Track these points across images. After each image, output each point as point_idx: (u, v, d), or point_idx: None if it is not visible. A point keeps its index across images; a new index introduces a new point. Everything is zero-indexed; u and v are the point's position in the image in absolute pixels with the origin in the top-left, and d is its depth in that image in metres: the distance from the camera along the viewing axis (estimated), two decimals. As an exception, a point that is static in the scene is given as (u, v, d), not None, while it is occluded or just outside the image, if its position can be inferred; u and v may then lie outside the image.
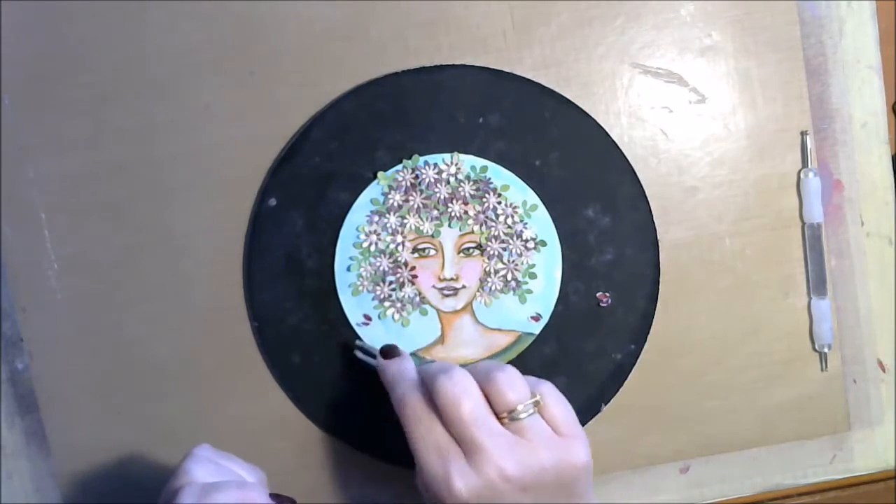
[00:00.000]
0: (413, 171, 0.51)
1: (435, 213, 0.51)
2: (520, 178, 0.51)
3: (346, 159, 0.51)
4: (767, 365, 0.53)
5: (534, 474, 0.40)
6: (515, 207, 0.51)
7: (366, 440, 0.52)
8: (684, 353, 0.52)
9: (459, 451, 0.40)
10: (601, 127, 0.51)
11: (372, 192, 0.51)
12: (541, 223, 0.51)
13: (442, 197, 0.51)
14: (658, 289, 0.52)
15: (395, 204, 0.51)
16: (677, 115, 0.52)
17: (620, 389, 0.52)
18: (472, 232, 0.51)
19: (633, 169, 0.51)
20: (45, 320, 0.51)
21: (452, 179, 0.51)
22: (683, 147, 0.52)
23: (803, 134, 0.52)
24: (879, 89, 0.53)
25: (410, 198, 0.51)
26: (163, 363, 0.52)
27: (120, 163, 0.51)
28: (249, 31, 0.51)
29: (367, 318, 0.51)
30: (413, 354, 0.51)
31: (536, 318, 0.51)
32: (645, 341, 0.52)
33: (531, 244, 0.51)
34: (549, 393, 0.43)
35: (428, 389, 0.42)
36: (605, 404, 0.52)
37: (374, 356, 0.48)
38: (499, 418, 0.41)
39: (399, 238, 0.51)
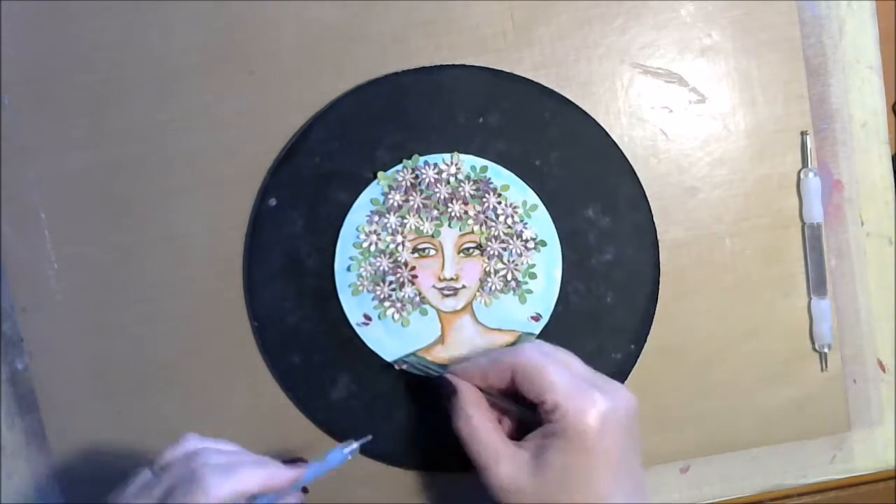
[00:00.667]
0: (413, 171, 0.51)
1: (435, 213, 0.51)
2: (520, 178, 0.51)
3: (346, 159, 0.51)
4: (767, 365, 0.53)
5: (636, 406, 0.43)
6: (515, 207, 0.51)
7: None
8: (684, 353, 0.52)
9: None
10: (601, 127, 0.51)
11: (372, 192, 0.51)
12: (541, 223, 0.51)
13: (442, 197, 0.51)
14: (658, 289, 0.52)
15: (395, 204, 0.51)
16: (677, 115, 0.52)
17: (620, 389, 0.52)
18: (472, 232, 0.51)
19: (633, 169, 0.51)
20: (45, 320, 0.51)
21: (452, 179, 0.51)
22: (683, 147, 0.52)
23: (803, 134, 0.52)
24: (879, 89, 0.53)
25: (410, 198, 0.51)
26: (163, 363, 0.52)
27: (120, 163, 0.51)
28: (249, 31, 0.51)
29: (367, 317, 0.51)
30: (413, 354, 0.51)
31: (536, 318, 0.51)
32: (645, 341, 0.52)
33: (531, 244, 0.51)
34: None
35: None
36: (605, 404, 0.52)
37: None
38: None
39: (399, 238, 0.51)
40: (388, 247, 0.51)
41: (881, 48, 0.53)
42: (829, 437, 0.54)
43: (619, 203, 0.51)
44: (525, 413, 0.44)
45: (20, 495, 0.53)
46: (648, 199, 0.51)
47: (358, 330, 0.51)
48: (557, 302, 0.51)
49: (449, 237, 0.51)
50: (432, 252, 0.51)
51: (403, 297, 0.51)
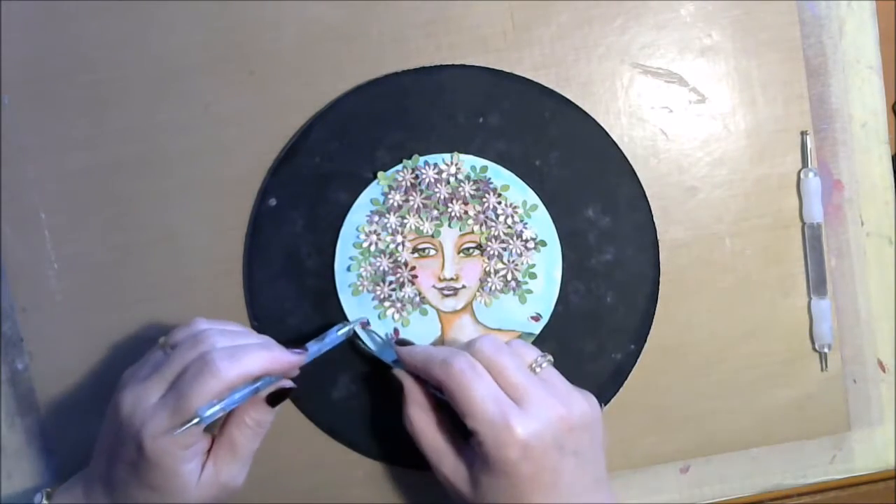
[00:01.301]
0: (413, 171, 0.51)
1: (435, 213, 0.51)
2: (520, 178, 0.51)
3: (346, 159, 0.51)
4: (767, 365, 0.53)
5: (579, 415, 0.42)
6: (515, 207, 0.51)
7: (366, 440, 0.52)
8: (684, 353, 0.52)
9: (510, 401, 0.42)
10: (601, 127, 0.51)
11: (372, 192, 0.51)
12: (541, 223, 0.51)
13: (442, 197, 0.51)
14: (658, 289, 0.52)
15: (395, 204, 0.51)
16: (677, 115, 0.52)
17: (620, 389, 0.52)
18: (472, 232, 0.51)
19: (633, 169, 0.51)
20: (45, 320, 0.51)
21: (452, 179, 0.51)
22: (683, 147, 0.52)
23: (803, 134, 0.52)
24: (879, 89, 0.53)
25: (410, 198, 0.51)
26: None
27: (120, 163, 0.51)
28: (249, 31, 0.51)
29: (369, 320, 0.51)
30: (381, 345, 0.51)
31: (536, 318, 0.51)
32: (645, 341, 0.52)
33: (531, 244, 0.51)
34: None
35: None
36: (605, 404, 0.52)
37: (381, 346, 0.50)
38: None
39: (399, 238, 0.51)
40: (388, 247, 0.51)
41: (881, 48, 0.53)
42: (829, 437, 0.54)
43: (619, 203, 0.51)
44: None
45: (20, 495, 0.53)
46: (648, 199, 0.51)
47: (358, 330, 0.51)
48: (557, 302, 0.51)
49: (449, 237, 0.51)
50: (432, 252, 0.51)
51: (403, 297, 0.51)
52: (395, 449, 0.52)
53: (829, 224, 0.53)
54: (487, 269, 0.51)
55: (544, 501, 0.41)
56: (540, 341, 0.51)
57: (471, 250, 0.51)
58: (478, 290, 0.51)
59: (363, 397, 0.51)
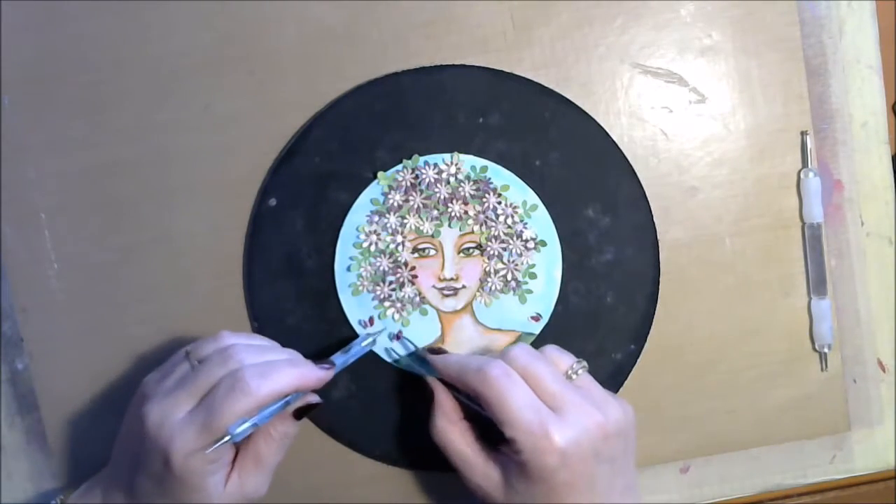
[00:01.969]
0: (413, 171, 0.51)
1: (435, 213, 0.51)
2: (520, 178, 0.51)
3: (346, 159, 0.51)
4: (767, 365, 0.53)
5: (614, 422, 0.42)
6: (515, 207, 0.51)
7: (366, 440, 0.52)
8: (684, 353, 0.52)
9: (548, 409, 0.42)
10: (601, 127, 0.51)
11: (372, 192, 0.51)
12: (541, 223, 0.51)
13: (442, 197, 0.51)
14: (658, 289, 0.52)
15: (395, 204, 0.51)
16: (677, 115, 0.52)
17: (620, 389, 0.52)
18: (472, 232, 0.51)
19: (633, 169, 0.51)
20: (45, 320, 0.51)
21: (452, 179, 0.51)
22: (683, 147, 0.52)
23: (803, 134, 0.52)
24: (879, 89, 0.53)
25: (410, 198, 0.51)
26: (163, 363, 0.51)
27: (120, 163, 0.51)
28: (249, 31, 0.51)
29: (370, 320, 0.51)
30: (413, 354, 0.51)
31: (536, 318, 0.51)
32: (645, 341, 0.52)
33: (531, 244, 0.51)
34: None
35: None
36: (605, 404, 0.52)
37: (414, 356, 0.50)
38: None
39: (399, 238, 0.51)
40: (388, 247, 0.51)
41: (881, 48, 0.53)
42: (829, 437, 0.54)
43: (619, 203, 0.51)
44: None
45: (20, 495, 0.53)
46: (648, 199, 0.51)
47: (358, 330, 0.51)
48: (557, 302, 0.51)
49: (449, 237, 0.51)
50: (432, 252, 0.51)
51: (403, 297, 0.51)
52: (395, 449, 0.52)
53: (829, 224, 0.53)
54: (487, 269, 0.51)
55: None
56: (540, 341, 0.51)
57: (471, 250, 0.51)
58: (478, 290, 0.51)
59: (363, 397, 0.51)
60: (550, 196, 0.51)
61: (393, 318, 0.51)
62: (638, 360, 0.52)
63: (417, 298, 0.51)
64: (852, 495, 0.55)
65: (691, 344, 0.52)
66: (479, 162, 0.51)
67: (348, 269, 0.51)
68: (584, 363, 0.44)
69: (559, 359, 0.45)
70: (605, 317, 0.51)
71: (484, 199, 0.51)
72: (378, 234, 0.51)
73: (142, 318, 0.51)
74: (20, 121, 0.51)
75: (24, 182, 0.51)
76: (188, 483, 0.41)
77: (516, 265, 0.51)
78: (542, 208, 0.51)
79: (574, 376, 0.44)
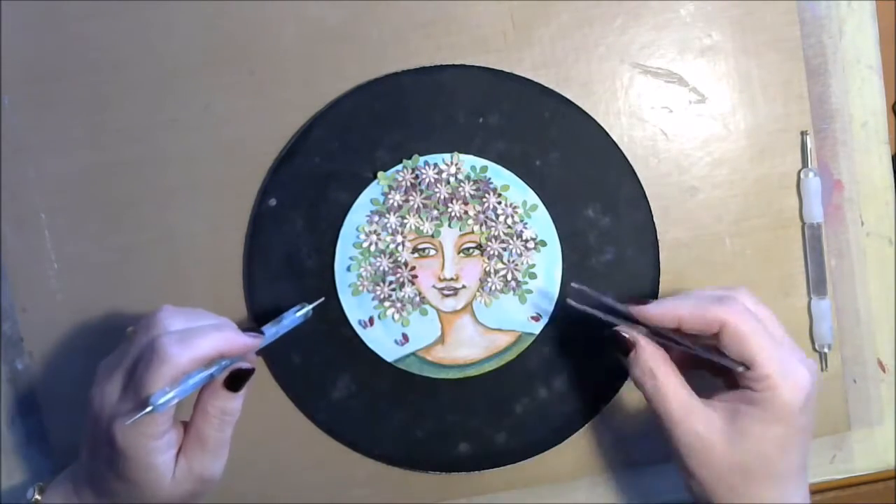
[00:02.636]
0: (413, 171, 0.51)
1: (435, 213, 0.51)
2: (520, 178, 0.51)
3: (346, 159, 0.51)
4: (767, 365, 0.53)
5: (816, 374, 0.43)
6: (515, 207, 0.51)
7: (366, 440, 0.52)
8: (684, 353, 0.52)
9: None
10: (601, 127, 0.51)
11: (372, 192, 0.51)
12: (541, 223, 0.51)
13: (442, 197, 0.51)
14: (658, 289, 0.52)
15: (395, 204, 0.51)
16: (677, 115, 0.52)
17: (620, 389, 0.52)
18: (472, 232, 0.51)
19: (633, 169, 0.51)
20: (45, 320, 0.51)
21: (452, 179, 0.51)
22: (683, 147, 0.52)
23: (803, 134, 0.52)
24: (879, 89, 0.53)
25: (410, 198, 0.51)
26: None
27: (120, 163, 0.51)
28: (249, 31, 0.51)
29: (371, 320, 0.51)
30: (413, 354, 0.51)
31: (536, 318, 0.51)
32: (645, 341, 0.52)
33: (531, 244, 0.51)
34: None
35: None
36: (605, 404, 0.52)
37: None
38: None
39: (399, 238, 0.51)
40: (388, 247, 0.51)
41: (881, 48, 0.53)
42: (829, 437, 0.54)
43: (619, 203, 0.51)
44: (717, 363, 0.43)
45: (20, 495, 0.53)
46: (648, 199, 0.51)
47: (358, 330, 0.51)
48: (557, 302, 0.51)
49: (449, 237, 0.51)
50: (432, 252, 0.51)
51: (403, 297, 0.51)
52: (395, 449, 0.52)
53: (829, 224, 0.53)
54: (487, 269, 0.51)
55: (805, 453, 0.42)
56: (540, 341, 0.51)
57: (471, 250, 0.51)
58: (478, 290, 0.51)
59: (363, 397, 0.51)
60: (550, 196, 0.51)
61: (393, 317, 0.51)
62: (638, 360, 0.52)
63: (417, 298, 0.51)
64: (852, 495, 0.55)
65: (691, 344, 0.52)
66: (479, 162, 0.51)
67: (348, 269, 0.51)
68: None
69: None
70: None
71: (484, 199, 0.51)
72: (378, 234, 0.51)
73: (142, 317, 0.51)
74: (20, 121, 0.51)
75: (24, 182, 0.51)
76: (135, 460, 0.40)
77: (516, 265, 0.51)
78: (542, 208, 0.51)
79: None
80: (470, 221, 0.51)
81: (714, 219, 0.52)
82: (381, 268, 0.51)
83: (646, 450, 0.53)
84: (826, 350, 0.53)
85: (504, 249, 0.51)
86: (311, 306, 0.49)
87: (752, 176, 0.52)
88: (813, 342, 0.53)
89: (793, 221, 0.52)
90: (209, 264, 0.52)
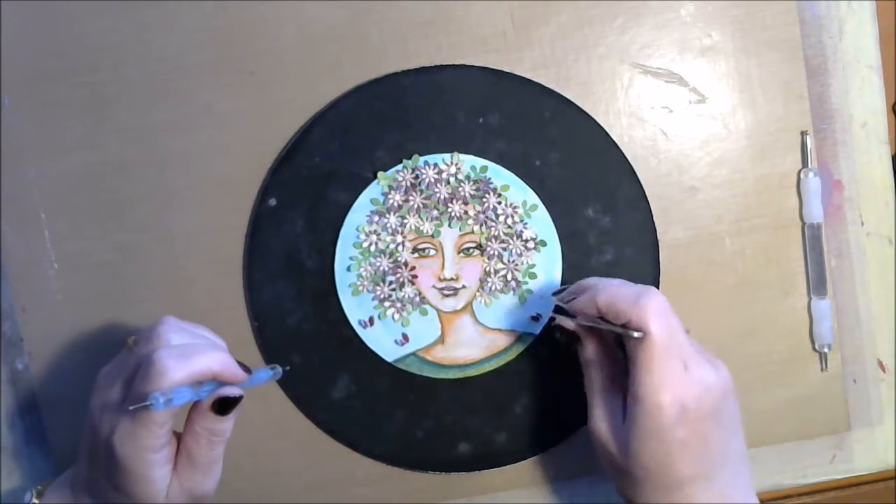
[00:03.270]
0: (413, 171, 0.51)
1: (435, 213, 0.51)
2: (520, 178, 0.51)
3: (346, 159, 0.51)
4: (767, 365, 0.53)
5: (729, 380, 0.43)
6: (515, 207, 0.51)
7: (366, 440, 0.52)
8: (684, 353, 0.52)
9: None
10: (601, 127, 0.51)
11: (372, 192, 0.51)
12: (541, 223, 0.51)
13: (442, 197, 0.51)
14: (658, 289, 0.51)
15: (395, 204, 0.51)
16: (677, 115, 0.52)
17: (620, 389, 0.52)
18: (472, 232, 0.51)
19: (633, 169, 0.51)
20: (45, 320, 0.51)
21: (452, 179, 0.51)
22: (683, 147, 0.52)
23: (803, 134, 0.52)
24: (879, 89, 0.53)
25: (410, 198, 0.51)
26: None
27: (120, 163, 0.51)
28: (249, 31, 0.51)
29: (371, 320, 0.51)
30: (413, 354, 0.51)
31: (536, 318, 0.51)
32: (645, 341, 0.52)
33: (531, 244, 0.51)
34: None
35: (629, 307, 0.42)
36: (605, 404, 0.52)
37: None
38: None
39: (399, 238, 0.51)
40: (388, 247, 0.51)
41: (881, 48, 0.53)
42: (829, 437, 0.54)
43: (619, 203, 0.51)
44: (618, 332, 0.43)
45: (20, 495, 0.53)
46: (648, 199, 0.51)
47: (358, 330, 0.51)
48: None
49: (449, 237, 0.51)
50: (432, 252, 0.51)
51: (403, 297, 0.51)
52: (395, 449, 0.52)
53: (829, 224, 0.53)
54: (487, 269, 0.51)
55: (694, 464, 0.42)
56: (540, 341, 0.51)
57: (471, 250, 0.51)
58: (478, 290, 0.51)
59: (363, 397, 0.51)
60: (550, 196, 0.51)
61: (393, 317, 0.51)
62: (638, 360, 0.52)
63: (417, 298, 0.51)
64: (852, 495, 0.55)
65: (691, 344, 0.52)
66: (479, 162, 0.51)
67: (348, 269, 0.51)
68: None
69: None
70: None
71: (484, 199, 0.51)
72: (378, 234, 0.51)
73: (142, 318, 0.51)
74: (20, 121, 0.51)
75: (24, 182, 0.51)
76: (134, 473, 0.40)
77: (516, 265, 0.51)
78: (542, 208, 0.51)
79: (689, 334, 0.43)
80: (470, 221, 0.51)
81: (714, 219, 0.52)
82: (381, 268, 0.51)
83: (646, 450, 0.53)
84: (826, 350, 0.53)
85: (504, 249, 0.51)
86: (280, 370, 0.46)
87: (752, 176, 0.52)
88: (813, 342, 0.53)
89: (793, 221, 0.52)
90: (209, 264, 0.52)
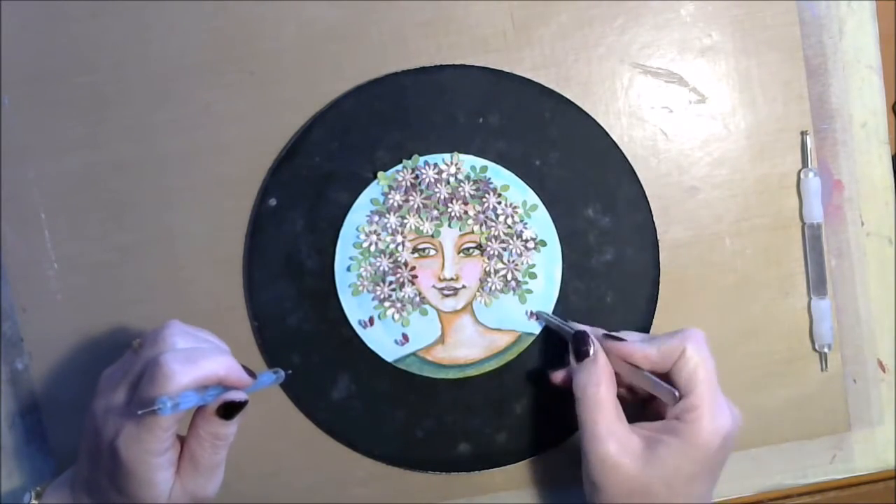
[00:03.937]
0: (413, 171, 0.51)
1: (435, 213, 0.51)
2: (520, 178, 0.51)
3: (346, 159, 0.51)
4: (767, 365, 0.53)
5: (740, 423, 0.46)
6: (515, 207, 0.51)
7: (366, 440, 0.52)
8: (684, 353, 0.52)
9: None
10: (601, 127, 0.51)
11: (372, 192, 0.51)
12: (541, 223, 0.51)
13: (442, 197, 0.51)
14: (658, 289, 0.52)
15: (395, 204, 0.51)
16: (677, 115, 0.52)
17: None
18: (472, 232, 0.51)
19: (633, 169, 0.51)
20: (45, 320, 0.51)
21: (452, 179, 0.51)
22: (683, 147, 0.52)
23: (803, 134, 0.52)
24: (879, 89, 0.53)
25: (410, 198, 0.51)
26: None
27: (120, 163, 0.51)
28: (249, 31, 0.51)
29: (370, 320, 0.51)
30: (413, 354, 0.51)
31: (537, 317, 0.51)
32: (645, 341, 0.52)
33: (531, 244, 0.51)
34: None
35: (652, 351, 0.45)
36: (605, 404, 0.52)
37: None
38: None
39: (399, 238, 0.51)
40: (388, 247, 0.51)
41: (881, 48, 0.53)
42: (829, 437, 0.54)
43: (619, 203, 0.51)
44: (655, 385, 0.44)
45: (20, 495, 0.53)
46: (648, 199, 0.51)
47: (358, 330, 0.51)
48: (557, 302, 0.51)
49: (449, 237, 0.51)
50: (432, 252, 0.51)
51: (403, 297, 0.51)
52: (395, 449, 0.52)
53: (829, 224, 0.53)
54: (487, 269, 0.51)
55: (709, 487, 0.45)
56: (540, 342, 0.51)
57: (471, 250, 0.51)
58: (478, 290, 0.51)
59: (363, 397, 0.51)
60: (550, 196, 0.51)
61: (393, 317, 0.51)
62: (638, 360, 0.52)
63: (417, 298, 0.51)
64: (852, 495, 0.55)
65: (691, 344, 0.52)
66: (479, 162, 0.51)
67: (348, 269, 0.51)
68: None
69: None
70: (605, 317, 0.51)
71: (484, 199, 0.51)
72: (378, 234, 0.51)
73: (142, 318, 0.51)
74: (20, 121, 0.51)
75: (24, 182, 0.51)
76: (137, 476, 0.40)
77: (516, 265, 0.51)
78: (542, 208, 0.51)
79: None
80: (470, 221, 0.51)
81: (714, 219, 0.52)
82: (381, 268, 0.51)
83: (646, 450, 0.53)
84: (826, 350, 0.53)
85: (504, 249, 0.51)
86: (284, 374, 0.46)
87: (752, 176, 0.52)
88: (813, 342, 0.53)
89: (793, 221, 0.52)
90: (209, 264, 0.52)
